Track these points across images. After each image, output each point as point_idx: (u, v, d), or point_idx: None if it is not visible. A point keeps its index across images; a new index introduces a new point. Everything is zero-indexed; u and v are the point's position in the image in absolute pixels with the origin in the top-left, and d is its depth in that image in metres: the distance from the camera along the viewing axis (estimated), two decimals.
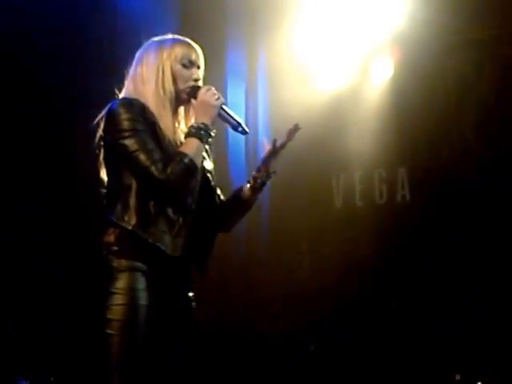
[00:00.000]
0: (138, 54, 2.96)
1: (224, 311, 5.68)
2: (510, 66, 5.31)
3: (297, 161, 5.89)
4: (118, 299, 2.73)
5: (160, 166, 2.72)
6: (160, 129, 2.80)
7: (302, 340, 5.79)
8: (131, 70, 2.94)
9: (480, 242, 5.25)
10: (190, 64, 2.91)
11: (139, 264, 2.76)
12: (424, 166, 5.58)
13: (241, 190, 2.99)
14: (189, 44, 2.95)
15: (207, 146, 2.93)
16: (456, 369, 5.10)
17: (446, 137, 5.53)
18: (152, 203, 2.77)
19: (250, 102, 6.10)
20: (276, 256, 5.99)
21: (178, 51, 2.90)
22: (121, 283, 2.74)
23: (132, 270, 2.76)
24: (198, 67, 2.94)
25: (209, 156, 3.01)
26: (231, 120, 2.87)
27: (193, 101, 2.90)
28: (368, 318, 5.59)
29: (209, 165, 2.99)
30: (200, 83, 2.92)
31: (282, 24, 5.80)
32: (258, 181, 2.94)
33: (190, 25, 5.30)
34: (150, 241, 2.75)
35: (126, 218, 2.76)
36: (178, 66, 2.89)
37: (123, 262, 2.76)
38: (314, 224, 6.03)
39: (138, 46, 2.98)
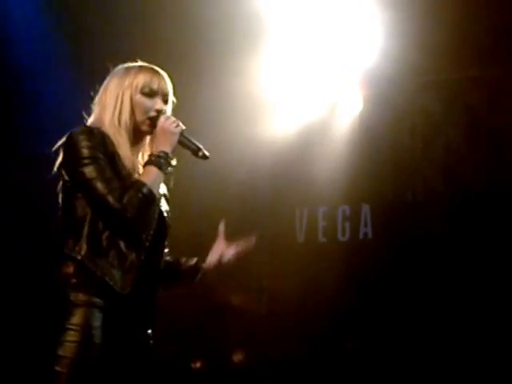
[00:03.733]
0: (105, 80, 2.87)
1: (183, 342, 5.58)
2: (478, 111, 5.30)
3: (260, 194, 5.85)
4: (72, 336, 2.62)
5: (117, 194, 2.63)
6: (119, 158, 2.71)
7: (258, 377, 5.68)
8: (97, 96, 2.86)
9: (441, 283, 5.20)
10: (153, 93, 2.80)
11: (96, 299, 2.65)
12: (388, 204, 5.55)
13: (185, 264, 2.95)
14: (153, 72, 2.85)
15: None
16: None
17: (411, 177, 5.52)
18: (105, 235, 2.68)
19: None
20: (236, 291, 5.89)
21: (140, 79, 2.81)
22: (76, 319, 2.63)
23: (89, 305, 2.65)
24: (163, 97, 2.83)
25: (168, 188, 2.91)
26: (191, 146, 2.81)
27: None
28: (325, 358, 5.50)
29: (164, 206, 2.87)
30: (165, 113, 2.81)
31: (250, 58, 5.74)
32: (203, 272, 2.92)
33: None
34: (98, 274, 2.64)
35: (77, 248, 2.67)
36: (139, 96, 2.79)
37: (80, 296, 2.65)
38: (276, 259, 5.95)
39: None
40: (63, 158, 2.74)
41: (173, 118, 2.80)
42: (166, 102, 2.85)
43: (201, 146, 2.81)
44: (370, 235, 5.64)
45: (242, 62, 5.55)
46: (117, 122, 2.77)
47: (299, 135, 5.80)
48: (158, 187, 2.75)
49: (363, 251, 5.61)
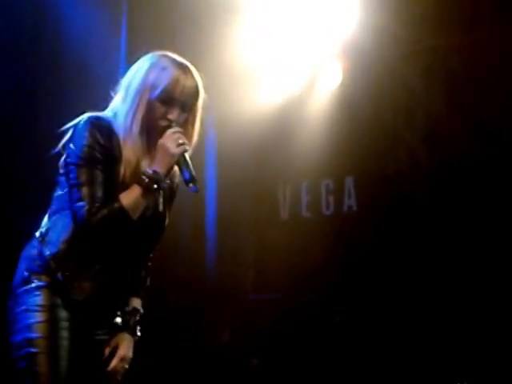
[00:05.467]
0: (133, 67, 2.74)
1: (169, 321, 5.51)
2: (458, 79, 5.27)
3: (243, 172, 5.81)
4: (39, 316, 2.60)
5: (94, 206, 2.57)
6: (120, 162, 2.63)
7: (245, 353, 5.66)
8: (123, 80, 2.74)
9: (427, 253, 5.19)
10: (170, 102, 2.65)
11: (56, 283, 2.64)
12: (371, 176, 5.52)
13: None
14: (181, 73, 2.67)
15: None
16: None
17: (393, 148, 5.48)
18: (76, 236, 2.64)
19: None
20: (222, 268, 5.87)
21: (163, 81, 2.64)
22: (39, 300, 2.61)
23: (51, 287, 2.63)
24: (183, 106, 2.67)
25: (168, 202, 2.82)
26: (186, 173, 2.65)
27: None
28: (312, 333, 5.48)
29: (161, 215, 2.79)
30: (174, 126, 2.66)
31: (227, 31, 5.68)
32: None
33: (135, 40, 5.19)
34: (58, 275, 2.62)
35: (47, 239, 2.66)
36: (157, 100, 2.64)
37: (43, 278, 2.63)
38: (260, 235, 5.92)
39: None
40: (67, 143, 2.68)
41: (178, 136, 2.64)
42: (184, 110, 2.69)
43: (195, 177, 2.66)
44: (354, 208, 5.61)
45: (220, 35, 5.50)
46: (129, 123, 2.65)
47: (278, 109, 5.75)
48: (138, 210, 2.63)
49: (348, 224, 5.59)
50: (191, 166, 2.66)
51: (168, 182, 2.69)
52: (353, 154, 5.57)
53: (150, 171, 2.62)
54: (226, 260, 5.90)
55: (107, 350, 2.74)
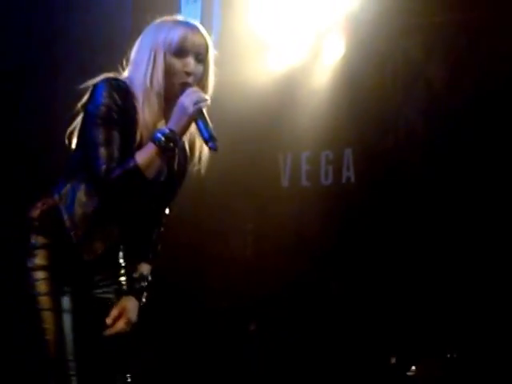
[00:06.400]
0: (138, 38, 2.77)
1: (168, 285, 5.60)
2: (460, 54, 5.29)
3: (244, 139, 5.84)
4: (38, 275, 2.66)
5: (111, 166, 2.59)
6: (136, 123, 2.65)
7: (243, 320, 5.75)
8: (130, 53, 2.78)
9: (423, 225, 5.25)
10: (184, 52, 2.67)
11: (56, 243, 2.70)
12: (370, 149, 5.56)
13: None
14: (188, 27, 2.71)
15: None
16: (392, 352, 5.11)
17: (392, 120, 5.51)
18: (93, 195, 2.68)
19: None
20: (221, 236, 5.93)
21: (173, 37, 2.67)
22: (37, 260, 2.67)
23: (48, 247, 2.69)
24: (197, 56, 2.70)
25: (186, 158, 2.84)
26: (204, 132, 2.64)
27: None
28: (310, 300, 5.58)
29: (176, 172, 2.82)
30: (192, 78, 2.69)
31: (234, 1, 5.69)
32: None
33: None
34: (72, 233, 2.68)
35: (63, 192, 2.71)
36: (171, 55, 2.67)
37: (40, 239, 2.70)
38: (260, 203, 5.98)
39: None
40: (85, 103, 2.71)
41: (197, 95, 2.64)
42: (199, 61, 2.71)
43: (213, 135, 2.64)
44: (352, 179, 5.66)
45: (224, 2, 5.52)
46: (148, 83, 2.65)
47: (281, 80, 5.77)
48: (153, 168, 2.62)
49: (346, 194, 5.65)
50: (210, 124, 2.65)
51: (179, 143, 2.67)
52: (353, 125, 5.60)
53: (166, 130, 2.61)
54: (226, 226, 5.96)
55: (115, 311, 2.78)
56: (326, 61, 5.71)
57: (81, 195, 2.68)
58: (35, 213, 2.71)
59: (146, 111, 2.65)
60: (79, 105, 2.75)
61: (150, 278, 2.91)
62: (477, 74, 5.19)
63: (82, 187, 2.68)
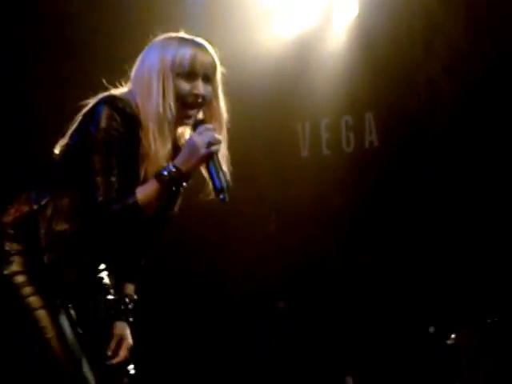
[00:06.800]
0: (141, 54, 2.58)
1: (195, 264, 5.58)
2: (477, 6, 5.07)
3: (260, 109, 5.69)
4: (18, 279, 2.53)
5: (109, 198, 2.42)
6: (139, 152, 2.47)
7: (271, 297, 5.62)
8: (134, 72, 2.57)
9: (448, 189, 5.08)
10: (194, 75, 2.50)
11: (31, 249, 2.55)
12: (392, 110, 5.36)
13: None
14: (195, 46, 2.53)
15: None
16: (430, 321, 4.98)
17: (413, 80, 5.31)
18: (78, 220, 2.52)
19: None
20: (241, 208, 5.80)
21: (182, 57, 2.48)
22: (14, 267, 2.53)
23: (23, 253, 2.54)
24: (205, 77, 2.53)
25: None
26: (216, 180, 2.43)
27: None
28: (338, 271, 5.43)
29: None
30: (201, 99, 2.52)
31: None
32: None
33: None
34: (45, 254, 2.53)
35: (47, 214, 2.54)
36: (180, 77, 2.48)
37: (15, 246, 2.54)
38: (280, 174, 5.82)
39: None
40: (83, 123, 2.52)
41: (210, 135, 2.44)
42: (207, 80, 2.54)
43: (224, 187, 2.44)
44: (376, 143, 5.48)
45: None
46: (162, 110, 2.45)
47: (294, 45, 5.59)
48: (157, 203, 2.46)
49: (370, 160, 5.46)
50: (222, 171, 2.45)
51: (184, 186, 2.49)
52: (372, 87, 5.41)
53: (172, 167, 2.43)
54: (246, 201, 5.84)
55: (113, 344, 2.71)
56: (339, 22, 5.53)
57: (62, 212, 2.52)
58: (7, 219, 2.57)
59: (159, 142, 2.47)
60: (80, 114, 2.57)
61: (135, 298, 2.81)
62: (498, 23, 4.99)
63: (65, 203, 2.53)
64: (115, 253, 2.66)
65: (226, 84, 2.59)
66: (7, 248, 2.54)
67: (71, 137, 2.57)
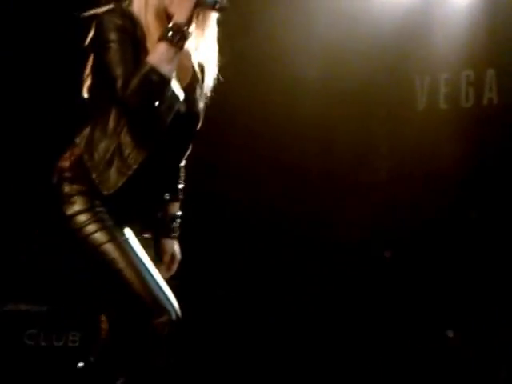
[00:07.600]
0: None
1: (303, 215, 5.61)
2: None
3: (379, 61, 5.66)
4: (81, 218, 2.63)
5: (126, 80, 2.52)
6: (145, 41, 2.62)
7: (377, 247, 5.65)
8: None
9: None
10: None
11: (91, 189, 2.65)
12: None
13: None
14: None
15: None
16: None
17: None
18: (112, 125, 2.63)
19: None
20: (354, 159, 5.83)
21: None
22: (76, 206, 2.64)
23: (85, 193, 2.65)
24: None
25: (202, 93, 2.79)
26: (207, 2, 2.59)
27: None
28: (446, 227, 5.41)
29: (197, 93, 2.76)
30: None
31: None
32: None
33: None
34: (88, 165, 2.64)
35: (81, 135, 2.68)
36: None
37: (75, 187, 2.65)
38: (395, 127, 5.80)
39: None
40: (92, 41, 2.68)
41: None
42: None
43: None
44: (495, 101, 5.38)
45: None
46: (143, 1, 2.66)
47: (419, 0, 5.54)
48: (168, 64, 2.55)
49: (488, 117, 5.37)
50: None
51: (189, 34, 2.61)
52: (496, 44, 5.29)
53: (169, 25, 2.57)
54: (360, 150, 5.86)
55: (167, 257, 2.86)
56: None
57: (98, 129, 2.65)
58: (64, 164, 2.69)
59: (150, 27, 2.64)
60: (86, 42, 2.71)
61: (179, 215, 2.93)
62: None
63: (99, 122, 2.66)
64: (158, 158, 2.69)
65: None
66: (67, 190, 2.65)
67: (92, 65, 2.71)
